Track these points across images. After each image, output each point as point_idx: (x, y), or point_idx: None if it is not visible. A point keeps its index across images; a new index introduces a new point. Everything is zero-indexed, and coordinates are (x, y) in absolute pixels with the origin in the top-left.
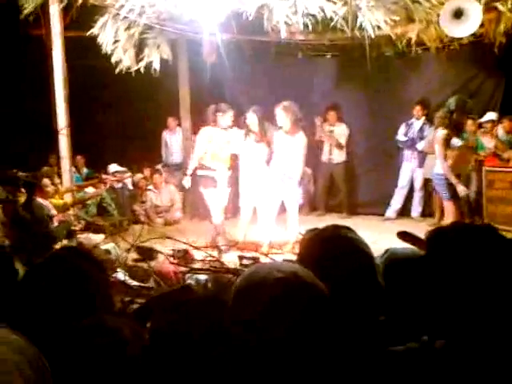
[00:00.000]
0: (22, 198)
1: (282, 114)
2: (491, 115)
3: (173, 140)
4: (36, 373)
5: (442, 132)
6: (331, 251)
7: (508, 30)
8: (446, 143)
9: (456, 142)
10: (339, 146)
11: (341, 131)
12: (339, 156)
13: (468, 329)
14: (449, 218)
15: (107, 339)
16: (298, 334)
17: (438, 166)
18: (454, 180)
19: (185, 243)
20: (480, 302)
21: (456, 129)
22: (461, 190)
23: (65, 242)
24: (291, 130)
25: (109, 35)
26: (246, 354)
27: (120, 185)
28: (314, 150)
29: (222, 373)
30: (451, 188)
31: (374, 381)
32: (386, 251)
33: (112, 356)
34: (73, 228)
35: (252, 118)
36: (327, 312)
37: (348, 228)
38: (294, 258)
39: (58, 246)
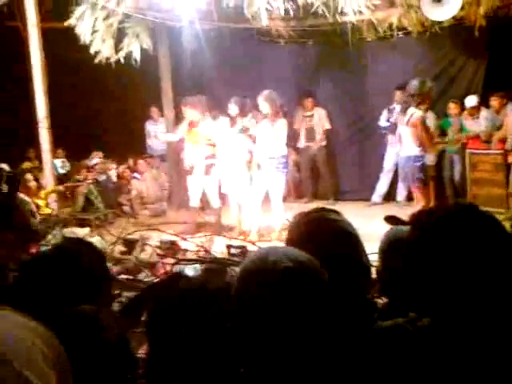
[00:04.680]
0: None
1: (263, 103)
2: (472, 100)
3: (156, 130)
4: (55, 355)
5: (418, 113)
6: (317, 233)
7: (488, 12)
8: (423, 123)
9: (429, 121)
10: (319, 132)
11: (319, 116)
12: (319, 142)
13: (454, 307)
14: (418, 203)
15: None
16: (300, 322)
17: (412, 149)
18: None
19: (172, 234)
20: (465, 281)
21: (425, 109)
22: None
23: (49, 236)
24: (272, 118)
25: (87, 25)
26: (246, 337)
27: (104, 177)
28: (296, 138)
29: (220, 357)
30: (422, 172)
31: (362, 354)
32: (387, 232)
33: (87, 340)
34: (56, 222)
35: (233, 108)
36: (329, 301)
37: (334, 211)
38: (282, 244)
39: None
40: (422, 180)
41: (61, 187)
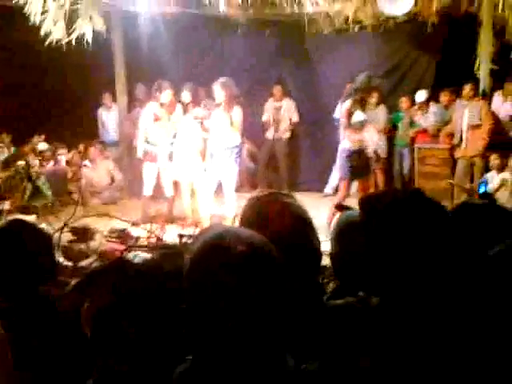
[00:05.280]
0: None
1: (219, 90)
2: (422, 95)
3: (109, 117)
4: None
5: (345, 104)
6: (269, 215)
7: (441, 9)
8: (349, 115)
9: (359, 115)
10: (285, 123)
11: (288, 106)
12: (285, 133)
13: (401, 287)
14: (340, 197)
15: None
16: (254, 303)
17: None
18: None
19: (123, 220)
20: (411, 262)
21: (360, 103)
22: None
23: None
24: (227, 106)
25: (37, 5)
26: (197, 319)
27: (51, 163)
28: (255, 128)
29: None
30: (348, 166)
31: (314, 331)
32: (339, 216)
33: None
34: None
35: (186, 96)
36: (282, 283)
37: (287, 194)
38: None
39: None
40: (343, 172)
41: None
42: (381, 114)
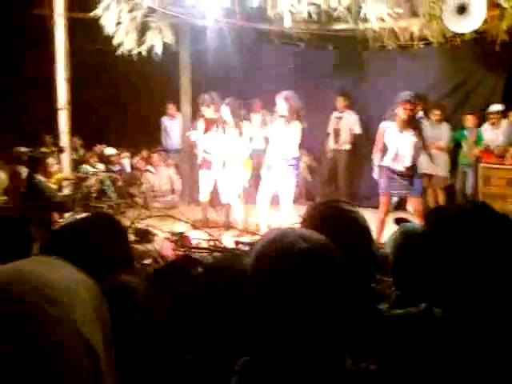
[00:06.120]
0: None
1: (282, 103)
2: (497, 106)
3: (172, 126)
4: (102, 314)
5: (382, 124)
6: (331, 220)
7: (511, 27)
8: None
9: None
10: (350, 135)
11: (351, 119)
12: (345, 144)
13: (466, 300)
14: (381, 211)
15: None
16: (316, 303)
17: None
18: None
19: (185, 221)
20: (478, 275)
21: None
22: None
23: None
24: (288, 119)
25: (112, 17)
26: (259, 319)
27: (118, 167)
28: (316, 141)
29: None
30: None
31: (372, 342)
32: (399, 228)
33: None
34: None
35: (225, 111)
36: (343, 282)
37: (348, 203)
38: None
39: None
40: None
41: (71, 176)
42: (444, 131)
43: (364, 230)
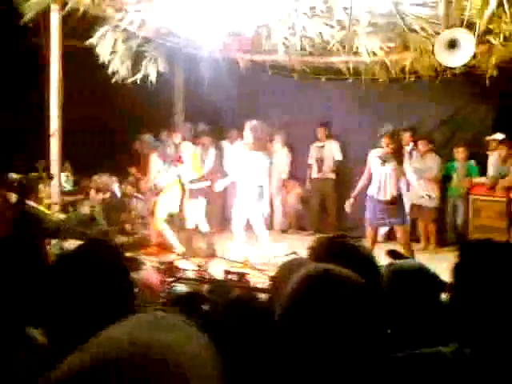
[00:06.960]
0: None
1: (248, 132)
2: (498, 135)
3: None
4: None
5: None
6: (342, 256)
7: (499, 62)
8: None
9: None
10: (329, 164)
11: (332, 147)
12: (326, 173)
13: (496, 340)
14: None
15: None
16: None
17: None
18: None
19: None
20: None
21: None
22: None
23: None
24: (253, 147)
25: (107, 46)
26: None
27: (107, 194)
28: (304, 170)
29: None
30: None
31: (401, 380)
32: (390, 264)
33: None
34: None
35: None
36: (380, 320)
37: (355, 238)
38: None
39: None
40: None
41: (61, 202)
42: (431, 162)
43: (374, 265)
